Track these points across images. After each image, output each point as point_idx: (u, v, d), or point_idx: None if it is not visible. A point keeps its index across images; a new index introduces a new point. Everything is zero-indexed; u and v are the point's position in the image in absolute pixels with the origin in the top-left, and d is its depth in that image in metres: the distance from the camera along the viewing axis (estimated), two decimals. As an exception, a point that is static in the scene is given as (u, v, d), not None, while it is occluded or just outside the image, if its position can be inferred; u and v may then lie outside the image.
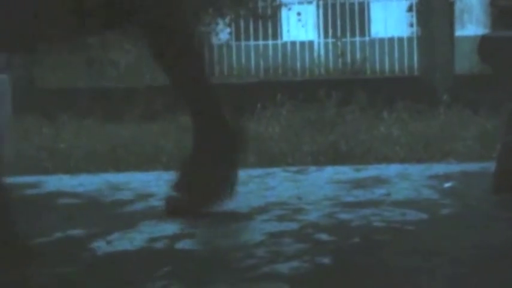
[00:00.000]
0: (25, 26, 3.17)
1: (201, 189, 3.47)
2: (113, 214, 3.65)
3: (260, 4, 12.29)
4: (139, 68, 10.99)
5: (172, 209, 3.47)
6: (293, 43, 12.19)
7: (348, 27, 12.30)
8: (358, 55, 12.12)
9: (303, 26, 12.50)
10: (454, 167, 4.62)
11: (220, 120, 3.64)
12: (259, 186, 4.08)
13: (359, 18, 12.44)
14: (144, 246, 3.08)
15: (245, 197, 3.84)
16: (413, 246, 2.98)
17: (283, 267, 2.73)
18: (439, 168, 4.57)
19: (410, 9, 12.20)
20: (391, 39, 11.92)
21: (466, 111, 7.84)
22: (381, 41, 12.14)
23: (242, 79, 11.11)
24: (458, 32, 10.88)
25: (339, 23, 12.29)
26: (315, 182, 4.23)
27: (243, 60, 12.11)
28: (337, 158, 5.66)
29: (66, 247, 3.11)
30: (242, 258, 2.85)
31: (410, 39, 11.88)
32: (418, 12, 11.55)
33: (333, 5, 12.34)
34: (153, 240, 3.15)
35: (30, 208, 3.88)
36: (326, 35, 12.66)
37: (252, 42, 12.39)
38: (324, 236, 3.13)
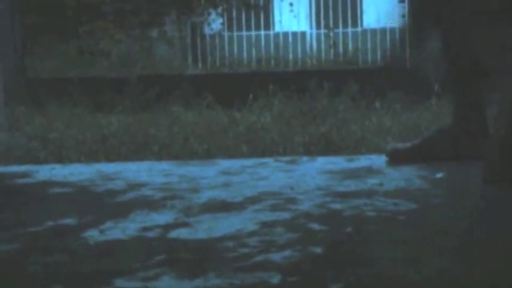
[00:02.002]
0: None
1: None
2: (105, 203, 3.65)
3: (252, -6, 12.29)
4: (130, 58, 10.97)
5: None
6: (285, 34, 12.19)
7: (340, 18, 12.30)
8: (350, 46, 12.14)
9: (295, 17, 12.50)
10: (446, 158, 4.63)
11: None
12: (251, 176, 4.09)
13: (351, 9, 12.45)
14: (137, 235, 3.08)
15: (238, 187, 3.84)
16: (405, 236, 2.99)
17: (276, 257, 2.74)
18: (431, 158, 4.57)
19: (402, 0, 12.22)
20: (383, 30, 11.94)
21: (458, 102, 7.84)
22: (373, 31, 12.15)
23: (234, 69, 11.11)
24: (450, 23, 10.88)
25: (331, 13, 12.29)
26: (306, 172, 4.23)
27: (235, 50, 12.10)
28: (329, 148, 5.68)
29: (58, 236, 3.11)
30: (235, 248, 2.86)
31: (402, 30, 11.89)
32: (410, 3, 11.56)
33: (325, -4, 12.34)
34: (146, 229, 3.15)
35: (21, 197, 3.87)
36: (318, 26, 12.66)
37: (244, 33, 12.38)
38: (316, 226, 3.14)
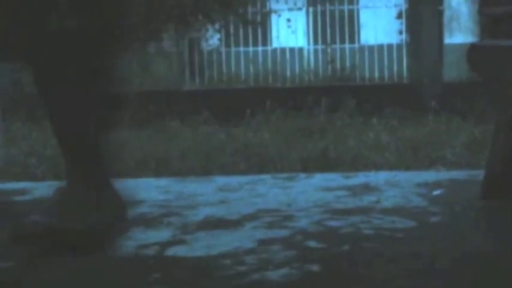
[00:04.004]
0: None
1: None
2: (102, 221, 3.63)
3: (250, 10, 12.31)
4: (128, 73, 10.98)
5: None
6: (283, 49, 12.22)
7: (338, 34, 12.33)
8: (347, 62, 12.15)
9: (292, 33, 12.53)
10: (443, 175, 4.64)
11: None
12: (248, 193, 4.09)
13: (349, 25, 12.48)
14: (134, 253, 3.07)
15: (235, 204, 3.84)
16: (403, 254, 2.99)
17: (273, 275, 2.73)
18: (428, 175, 4.58)
19: (399, 16, 12.25)
20: (380, 46, 11.96)
21: (455, 119, 7.89)
22: (370, 48, 12.18)
23: (231, 85, 11.12)
24: (447, 40, 10.93)
25: (328, 29, 12.32)
26: (304, 188, 4.23)
27: (233, 66, 12.12)
28: (326, 164, 5.68)
29: (54, 253, 3.10)
30: (232, 265, 2.85)
31: (399, 46, 11.93)
32: (407, 20, 11.60)
33: (323, 12, 12.37)
34: (143, 247, 3.14)
35: (18, 215, 3.86)
36: (316, 42, 12.69)
37: (241, 49, 12.40)
38: (313, 243, 3.13)
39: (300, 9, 12.62)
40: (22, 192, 4.36)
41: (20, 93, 9.58)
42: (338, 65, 12.11)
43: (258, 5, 12.36)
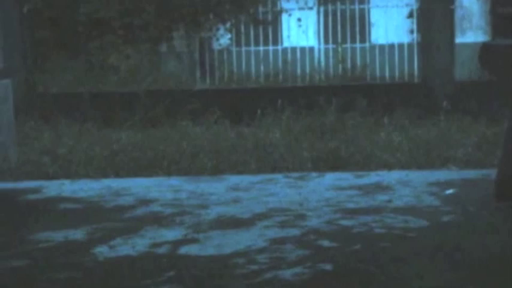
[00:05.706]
0: None
1: None
2: (115, 219, 3.66)
3: (261, 10, 12.32)
4: (139, 73, 11.01)
5: None
6: (293, 49, 12.21)
7: (349, 33, 12.32)
8: (358, 61, 12.13)
9: (303, 32, 12.51)
10: (455, 174, 4.63)
11: None
12: (260, 193, 4.09)
13: (360, 24, 12.46)
14: (146, 252, 3.08)
15: (247, 203, 3.85)
16: (415, 253, 2.99)
17: (286, 274, 2.74)
18: (440, 175, 4.57)
19: (410, 15, 12.23)
20: (391, 46, 11.94)
21: (466, 118, 7.86)
22: (381, 47, 12.15)
23: (242, 85, 11.13)
24: (459, 39, 10.90)
25: (339, 29, 12.30)
26: (316, 188, 4.23)
27: (244, 65, 12.12)
28: (337, 164, 5.67)
29: (68, 252, 3.12)
30: (244, 264, 2.86)
31: (410, 45, 11.90)
32: (419, 19, 11.57)
33: (334, 11, 12.36)
34: (155, 245, 3.16)
35: (31, 213, 3.88)
36: (326, 41, 12.67)
37: (252, 48, 12.40)
38: (325, 243, 3.14)
39: (310, 8, 12.61)
40: (35, 190, 4.38)
41: (33, 93, 9.60)
42: (349, 64, 12.10)
43: (269, 5, 12.37)
